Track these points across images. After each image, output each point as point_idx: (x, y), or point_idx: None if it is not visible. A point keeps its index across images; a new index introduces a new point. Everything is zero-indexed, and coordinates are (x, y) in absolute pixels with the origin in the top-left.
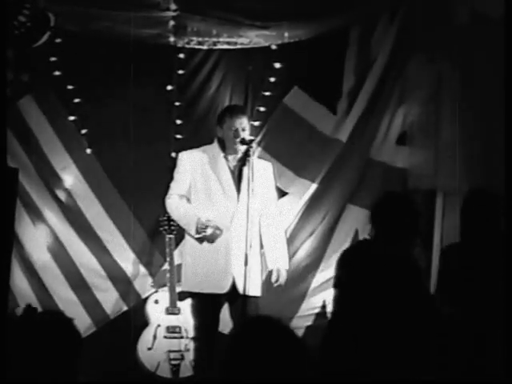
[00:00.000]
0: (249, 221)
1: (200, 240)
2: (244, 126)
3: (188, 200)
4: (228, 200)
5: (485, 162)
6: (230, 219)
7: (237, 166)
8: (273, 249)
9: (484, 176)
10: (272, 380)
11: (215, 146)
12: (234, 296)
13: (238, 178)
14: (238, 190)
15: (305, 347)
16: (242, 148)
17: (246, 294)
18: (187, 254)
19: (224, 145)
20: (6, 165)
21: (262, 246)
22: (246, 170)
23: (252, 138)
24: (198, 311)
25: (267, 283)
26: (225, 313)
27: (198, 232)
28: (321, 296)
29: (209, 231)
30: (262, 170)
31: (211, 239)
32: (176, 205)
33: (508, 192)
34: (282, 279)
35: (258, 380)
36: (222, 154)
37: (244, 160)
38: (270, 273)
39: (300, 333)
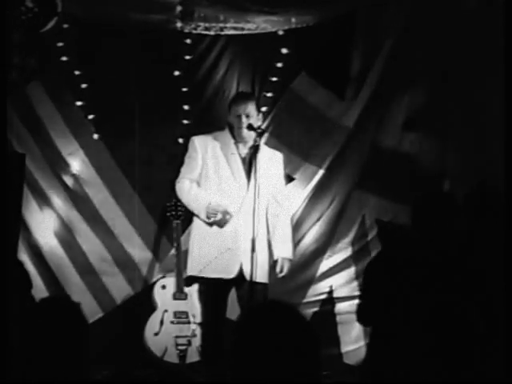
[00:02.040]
0: (256, 207)
1: (209, 224)
2: (248, 112)
3: (198, 185)
4: (238, 186)
5: (489, 149)
6: (239, 205)
7: (248, 153)
8: (278, 239)
9: (489, 162)
10: (281, 365)
11: (226, 132)
12: (241, 282)
13: (248, 165)
14: (249, 177)
15: (315, 332)
16: (251, 135)
17: (254, 280)
18: (195, 238)
19: (233, 131)
20: (13, 150)
21: (268, 233)
22: (258, 157)
23: (259, 124)
24: (205, 296)
25: (272, 272)
26: (232, 299)
27: (208, 217)
28: (328, 282)
29: (219, 216)
30: (273, 160)
31: (221, 224)
32: (186, 189)
33: (508, 181)
34: (286, 269)
35: (267, 366)
36: (232, 141)
37: (256, 148)
38: (275, 263)
39: (307, 318)
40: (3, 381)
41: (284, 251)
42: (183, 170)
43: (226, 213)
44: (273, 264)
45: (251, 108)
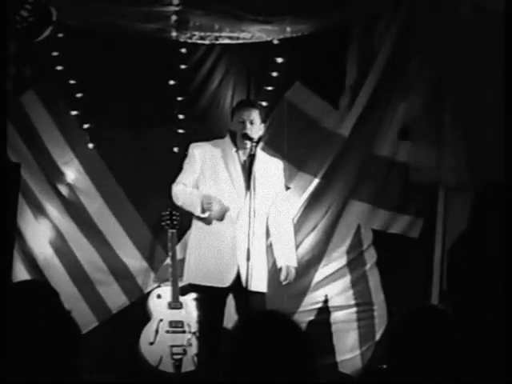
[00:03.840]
0: (251, 216)
1: (207, 221)
2: (252, 118)
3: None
4: (236, 194)
5: (486, 157)
6: (237, 213)
7: (247, 161)
8: (282, 247)
9: (486, 170)
10: (277, 375)
11: (227, 140)
12: (239, 290)
13: (248, 173)
14: (248, 184)
15: (310, 342)
16: (249, 143)
17: (250, 289)
18: (192, 245)
19: (235, 139)
20: (8, 159)
21: (267, 238)
22: (256, 165)
23: (261, 134)
24: (202, 305)
25: (275, 280)
26: (230, 308)
27: (203, 210)
28: (323, 291)
29: (215, 206)
30: (273, 167)
31: (219, 217)
32: (182, 190)
33: (508, 186)
34: (291, 277)
35: (263, 375)
36: (234, 149)
37: (255, 155)
38: (279, 270)
39: (302, 327)
40: (2, 381)
41: (288, 259)
42: (180, 176)
43: (222, 204)
44: (275, 272)
45: (255, 115)
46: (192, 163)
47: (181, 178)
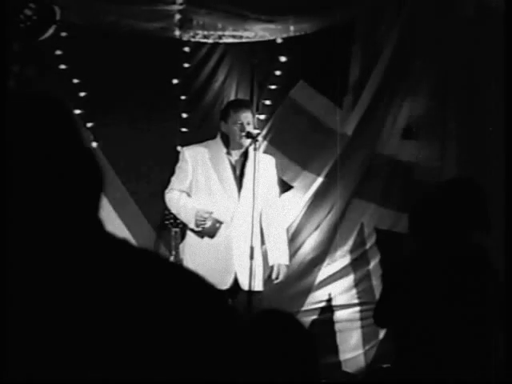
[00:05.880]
0: (254, 214)
1: (200, 235)
2: (249, 119)
3: (188, 195)
4: (228, 197)
5: (489, 157)
6: (230, 216)
7: (239, 161)
8: (274, 245)
9: (488, 170)
10: (280, 373)
11: (218, 141)
12: (235, 292)
13: (240, 173)
14: (240, 186)
15: (313, 340)
16: (247, 142)
17: (253, 288)
18: (188, 250)
19: (228, 140)
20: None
21: (263, 242)
22: (249, 165)
23: (258, 131)
24: None
25: (268, 280)
26: None
27: (197, 225)
28: (326, 290)
29: (208, 223)
30: (265, 165)
31: (211, 233)
32: (176, 199)
33: (508, 185)
34: (283, 275)
35: (265, 374)
36: (224, 150)
37: (246, 155)
38: (271, 268)
39: (306, 326)
40: (2, 380)
41: (280, 257)
42: (173, 180)
43: (216, 221)
44: (269, 270)
45: (250, 115)
46: (184, 167)
47: (173, 183)
